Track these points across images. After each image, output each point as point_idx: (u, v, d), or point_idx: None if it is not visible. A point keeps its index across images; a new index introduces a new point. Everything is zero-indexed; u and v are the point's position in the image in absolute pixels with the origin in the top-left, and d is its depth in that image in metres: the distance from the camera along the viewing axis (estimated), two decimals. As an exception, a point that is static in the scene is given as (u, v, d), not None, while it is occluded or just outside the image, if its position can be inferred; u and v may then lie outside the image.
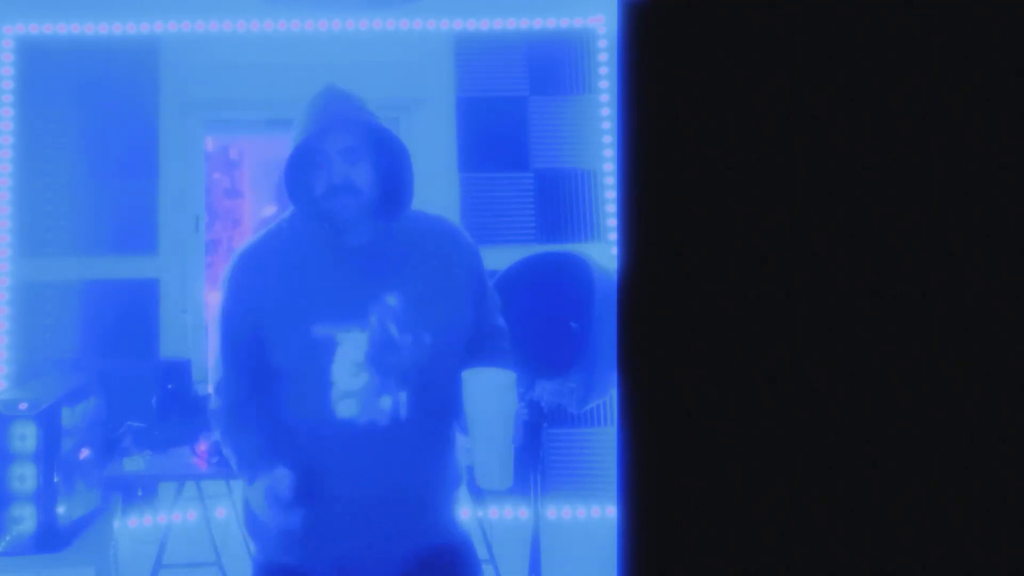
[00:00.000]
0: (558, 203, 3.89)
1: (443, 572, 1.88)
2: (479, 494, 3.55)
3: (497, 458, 1.74)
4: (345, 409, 1.74)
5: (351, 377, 1.74)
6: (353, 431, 1.74)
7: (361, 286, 1.78)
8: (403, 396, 1.76)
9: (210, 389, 1.91)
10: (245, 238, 1.93)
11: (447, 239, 1.92)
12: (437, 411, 1.81)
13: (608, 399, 3.43)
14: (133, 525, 3.51)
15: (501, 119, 3.89)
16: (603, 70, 3.92)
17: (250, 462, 1.77)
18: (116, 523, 3.25)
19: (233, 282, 1.84)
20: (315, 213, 1.81)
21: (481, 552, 3.44)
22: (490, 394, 1.73)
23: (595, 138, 3.91)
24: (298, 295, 1.76)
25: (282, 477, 1.68)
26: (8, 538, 2.81)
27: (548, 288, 2.33)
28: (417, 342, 1.77)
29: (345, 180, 1.78)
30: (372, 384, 1.74)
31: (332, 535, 1.78)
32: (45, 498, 2.83)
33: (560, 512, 3.73)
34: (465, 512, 3.55)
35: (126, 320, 3.71)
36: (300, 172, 1.80)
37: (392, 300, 1.77)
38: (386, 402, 1.75)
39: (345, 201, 1.78)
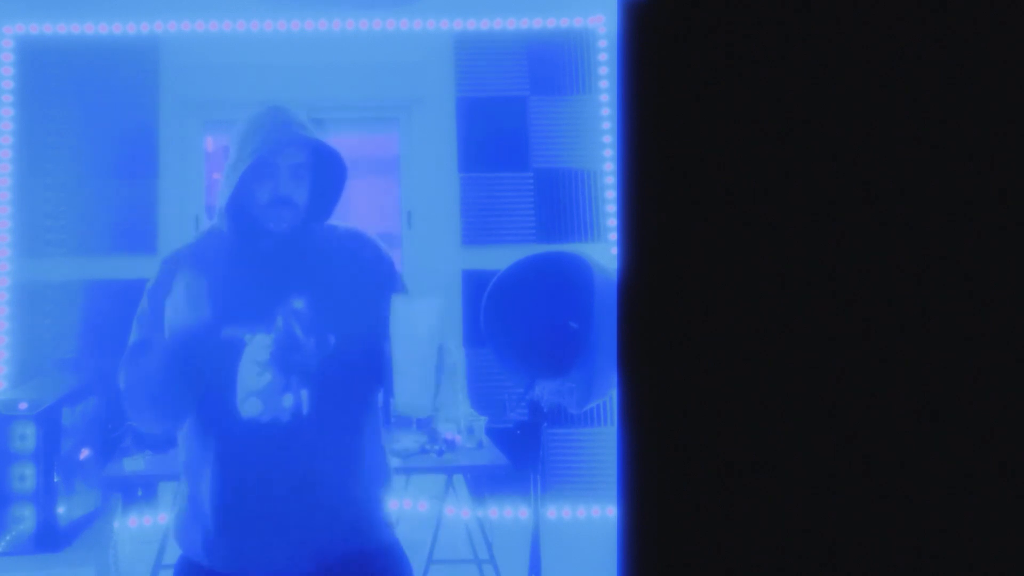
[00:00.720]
0: (558, 203, 3.89)
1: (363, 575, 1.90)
2: (479, 494, 3.55)
3: (416, 382, 1.76)
4: (249, 408, 1.82)
5: (255, 377, 1.83)
6: (256, 429, 1.82)
7: (270, 290, 1.88)
8: (304, 394, 1.83)
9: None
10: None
11: (359, 248, 1.99)
12: (341, 408, 1.87)
13: (608, 399, 3.43)
14: (133, 525, 3.51)
15: (501, 119, 3.89)
16: (603, 70, 3.92)
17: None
18: (116, 523, 3.25)
19: (154, 288, 1.98)
20: (247, 223, 1.90)
21: (481, 552, 3.45)
22: (413, 318, 1.77)
23: (595, 138, 3.91)
24: (212, 299, 1.82)
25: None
26: (8, 538, 2.81)
27: (548, 288, 2.33)
28: (320, 343, 1.85)
29: (288, 195, 1.87)
30: (275, 383, 1.83)
31: (245, 534, 1.84)
32: (45, 498, 2.83)
33: (560, 512, 3.73)
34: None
35: (126, 320, 3.71)
36: (244, 183, 1.89)
37: (299, 303, 1.87)
38: (288, 400, 1.83)
39: (283, 214, 1.88)
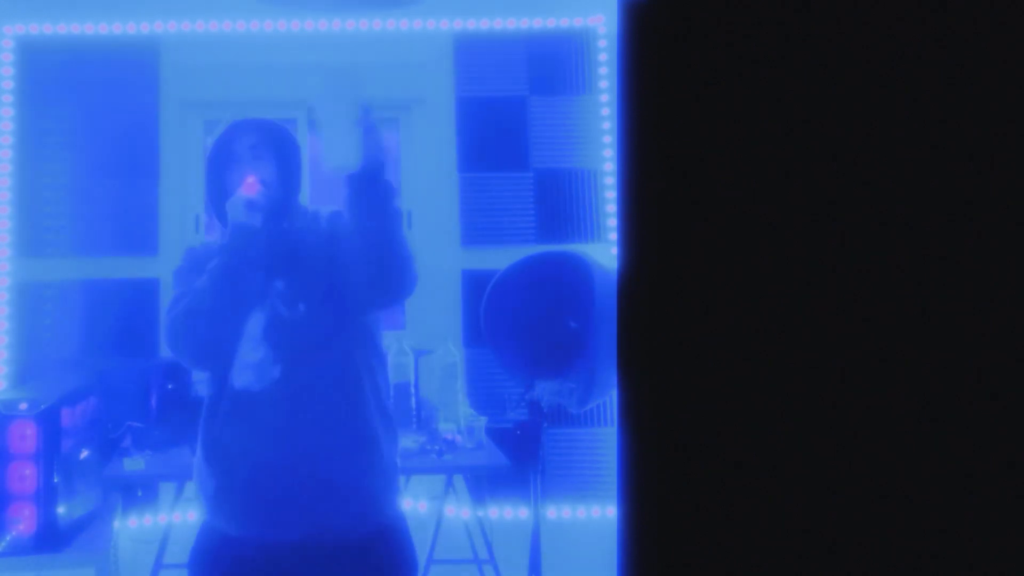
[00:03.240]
0: (558, 203, 3.88)
1: (368, 555, 2.00)
2: (479, 494, 3.55)
3: (340, 138, 1.95)
4: (243, 379, 1.99)
5: (251, 351, 1.99)
6: (250, 398, 1.98)
7: (263, 276, 2.04)
8: (288, 364, 1.99)
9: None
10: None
11: (320, 222, 2.15)
12: (322, 375, 2.01)
13: (608, 399, 3.43)
14: (133, 525, 3.51)
15: (501, 119, 3.89)
16: (603, 70, 3.91)
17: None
18: (116, 523, 3.25)
19: (178, 269, 2.17)
20: (233, 224, 2.03)
21: (481, 552, 3.44)
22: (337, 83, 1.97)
23: (595, 138, 3.91)
24: (219, 287, 2.01)
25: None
26: (8, 538, 2.81)
27: (548, 288, 2.33)
28: (295, 315, 2.02)
29: (252, 174, 2.04)
30: (267, 356, 1.99)
31: (252, 498, 1.97)
32: (45, 498, 2.83)
33: (560, 512, 3.73)
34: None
35: (126, 320, 3.71)
36: (217, 181, 2.09)
37: (279, 285, 2.03)
38: (276, 371, 1.98)
39: (259, 203, 2.02)
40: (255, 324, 2.01)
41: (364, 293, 2.03)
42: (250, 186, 2.01)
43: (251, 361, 1.99)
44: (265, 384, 1.98)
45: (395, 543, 2.07)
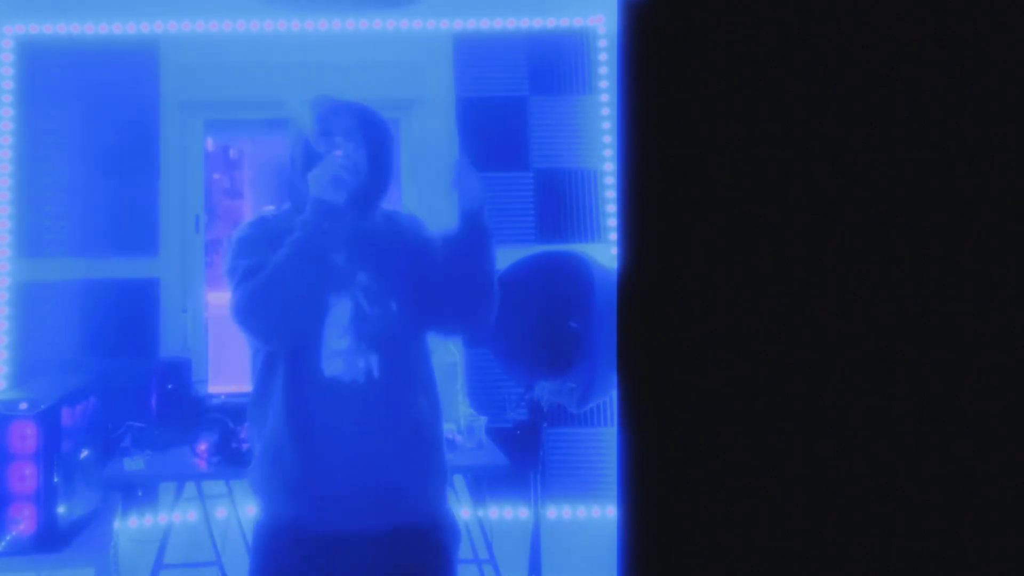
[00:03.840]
0: (558, 203, 3.88)
1: (418, 550, 2.03)
2: (479, 494, 3.55)
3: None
4: (333, 368, 1.98)
5: (337, 339, 1.99)
6: (338, 387, 1.98)
7: (347, 263, 2.03)
8: (374, 358, 2.00)
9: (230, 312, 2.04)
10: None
11: (407, 224, 2.17)
12: (404, 374, 2.05)
13: (608, 399, 3.43)
14: (133, 525, 3.51)
15: (501, 119, 3.89)
16: (603, 70, 3.91)
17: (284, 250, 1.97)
18: (116, 523, 3.25)
19: (246, 237, 2.08)
20: (314, 198, 1.99)
21: (481, 552, 3.44)
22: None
23: (595, 138, 3.91)
24: (300, 263, 1.96)
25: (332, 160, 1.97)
26: (8, 538, 2.81)
27: (548, 288, 2.33)
28: (385, 312, 2.03)
29: (347, 155, 1.99)
30: (352, 347, 2.00)
31: (325, 482, 1.97)
32: (45, 498, 2.83)
33: (560, 512, 3.73)
34: (465, 512, 3.55)
35: (126, 320, 3.71)
36: (307, 162, 2.03)
37: (363, 277, 2.03)
38: (361, 362, 1.99)
39: (346, 178, 1.97)
40: (341, 312, 2.00)
41: (447, 318, 2.09)
42: (336, 160, 1.97)
43: (338, 349, 1.99)
44: (354, 375, 1.98)
45: (451, 535, 2.15)
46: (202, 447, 3.01)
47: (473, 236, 2.04)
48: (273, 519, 2.03)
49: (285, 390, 2.00)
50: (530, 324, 2.31)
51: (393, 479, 2.01)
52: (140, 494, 3.50)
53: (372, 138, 2.06)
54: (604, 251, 3.73)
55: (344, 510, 1.98)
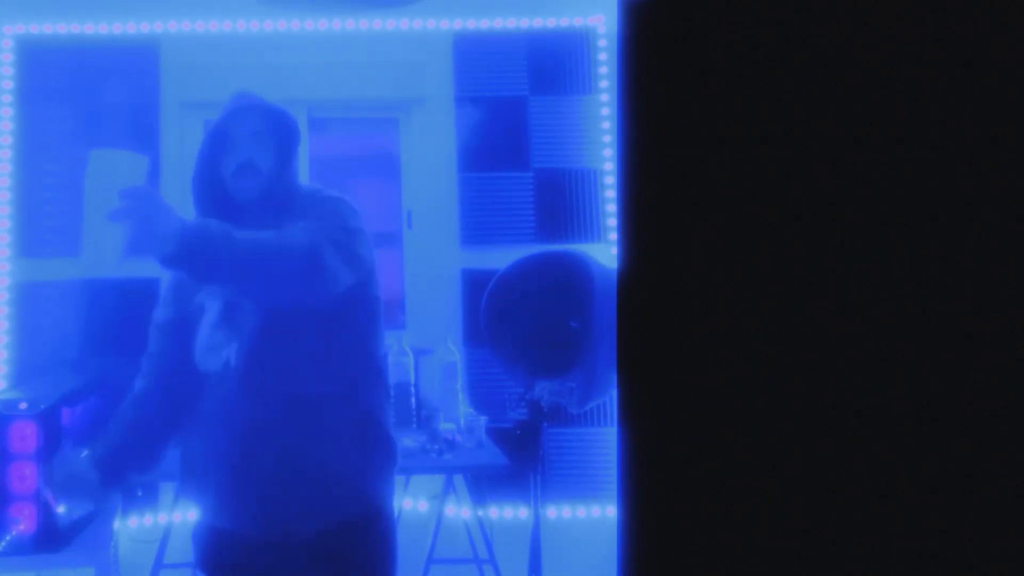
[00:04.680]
0: (558, 203, 3.88)
1: (345, 544, 1.96)
2: (479, 494, 3.55)
3: (97, 232, 1.81)
4: (203, 363, 1.96)
5: (208, 336, 1.97)
6: (206, 379, 1.96)
7: None
8: (234, 348, 1.94)
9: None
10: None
11: (315, 203, 2.02)
12: (281, 365, 1.93)
13: (608, 399, 3.43)
14: (133, 525, 3.51)
15: (501, 119, 3.89)
16: (603, 70, 3.91)
17: None
18: (116, 523, 3.25)
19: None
20: (213, 197, 2.01)
21: (481, 552, 3.44)
22: (111, 172, 1.79)
23: (595, 138, 3.91)
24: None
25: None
26: (8, 538, 2.81)
27: (548, 288, 2.33)
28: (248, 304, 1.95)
29: (250, 158, 1.97)
30: (220, 340, 1.96)
31: (214, 479, 1.97)
32: (45, 498, 2.83)
33: (560, 512, 3.73)
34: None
35: (126, 320, 3.71)
36: (209, 161, 2.01)
37: None
38: (227, 352, 1.95)
39: (248, 182, 1.97)
40: (212, 312, 1.99)
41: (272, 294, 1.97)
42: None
43: (208, 345, 1.98)
44: (218, 366, 1.96)
45: (378, 534, 2.03)
46: (202, 447, 3.00)
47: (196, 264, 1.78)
48: (206, 526, 2.05)
49: (168, 382, 2.06)
50: (530, 324, 2.31)
51: (302, 488, 1.92)
52: (140, 494, 3.50)
53: (279, 144, 2.02)
54: (604, 251, 3.73)
55: (260, 517, 1.94)
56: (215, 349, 1.96)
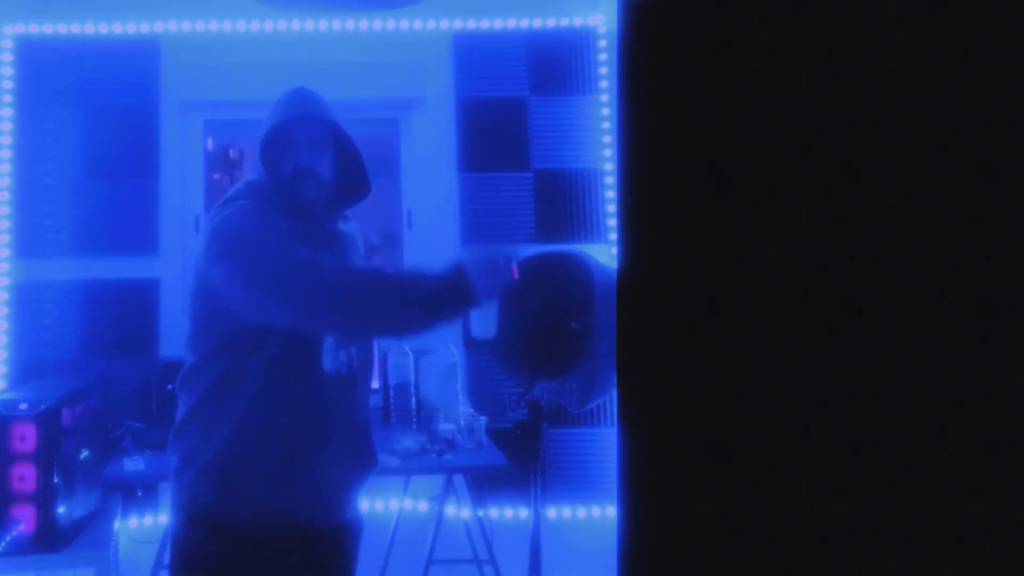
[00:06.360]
0: (558, 203, 3.88)
1: (331, 551, 2.08)
2: (479, 494, 3.55)
3: (487, 317, 2.20)
4: (330, 361, 2.02)
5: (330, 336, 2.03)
6: (331, 380, 2.02)
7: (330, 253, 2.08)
8: (353, 351, 2.08)
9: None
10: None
11: (355, 228, 2.26)
12: (368, 366, 2.18)
13: (608, 399, 3.43)
14: (133, 525, 3.51)
15: (501, 119, 3.89)
16: (603, 70, 3.92)
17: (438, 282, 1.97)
18: (116, 523, 3.25)
19: (250, 229, 1.97)
20: (282, 192, 2.05)
21: (482, 552, 3.44)
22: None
23: (595, 138, 3.91)
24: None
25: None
26: (8, 538, 2.81)
27: (548, 288, 2.33)
28: None
29: (308, 166, 2.04)
30: (339, 341, 2.04)
31: (316, 476, 2.02)
32: (45, 498, 2.83)
33: (560, 512, 3.73)
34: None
35: (126, 320, 3.71)
36: (271, 155, 2.07)
37: None
38: (343, 355, 2.05)
39: (306, 186, 2.04)
40: None
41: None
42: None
43: (332, 345, 2.03)
44: (340, 367, 2.04)
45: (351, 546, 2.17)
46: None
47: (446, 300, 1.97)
48: (224, 525, 1.97)
49: (283, 383, 1.98)
50: (530, 324, 2.31)
51: (356, 475, 2.11)
52: (140, 494, 3.50)
53: (337, 155, 2.11)
54: (604, 251, 3.73)
55: (323, 503, 2.06)
56: (336, 351, 2.04)
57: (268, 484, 1.96)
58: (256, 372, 1.97)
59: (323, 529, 2.05)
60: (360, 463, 2.12)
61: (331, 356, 2.03)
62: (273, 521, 1.97)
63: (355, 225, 2.26)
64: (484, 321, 2.26)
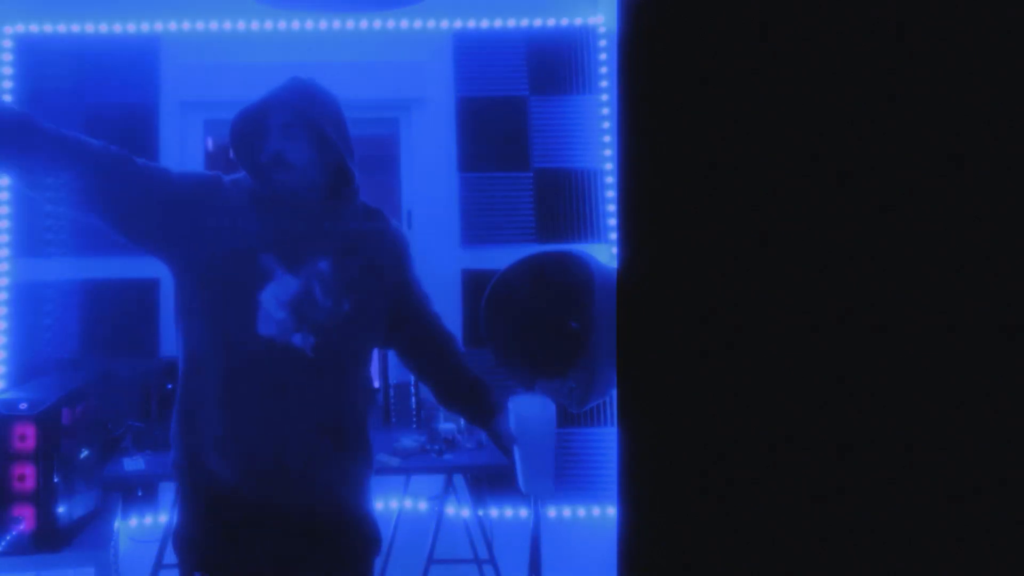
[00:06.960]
0: (558, 203, 3.88)
1: (330, 546, 2.02)
2: (479, 494, 3.55)
3: (541, 471, 2.12)
4: (266, 328, 1.93)
5: (274, 309, 1.94)
6: (272, 348, 1.93)
7: (305, 243, 1.99)
8: (311, 340, 1.95)
9: None
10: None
11: (381, 228, 2.15)
12: (341, 364, 2.01)
13: (608, 399, 3.43)
14: (133, 525, 3.51)
15: (501, 119, 3.89)
16: (603, 70, 3.92)
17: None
18: (116, 523, 3.25)
19: (194, 175, 2.09)
20: (260, 177, 2.02)
21: (482, 552, 3.44)
22: (537, 418, 2.11)
23: (595, 138, 3.91)
24: (249, 223, 1.97)
25: None
26: (8, 538, 2.81)
27: (548, 287, 2.33)
28: (335, 307, 1.98)
29: (279, 151, 1.97)
30: (288, 323, 1.94)
31: (247, 440, 1.95)
32: (45, 498, 2.83)
33: (560, 512, 3.73)
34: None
35: (126, 320, 3.71)
36: (246, 141, 2.03)
37: (324, 265, 1.99)
38: (298, 340, 1.95)
39: (280, 172, 1.98)
40: (282, 287, 1.95)
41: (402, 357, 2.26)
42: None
43: (274, 318, 1.94)
44: (289, 342, 1.95)
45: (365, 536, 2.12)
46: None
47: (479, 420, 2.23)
48: (196, 464, 2.00)
49: (210, 352, 1.97)
50: (530, 324, 2.31)
51: (307, 458, 1.99)
52: (140, 494, 3.50)
53: (320, 144, 2.02)
54: (604, 251, 3.73)
55: (256, 467, 1.96)
56: (282, 328, 1.94)
57: (217, 451, 1.96)
58: (195, 339, 2.00)
59: (302, 511, 1.98)
60: (325, 450, 1.99)
61: (267, 321, 1.93)
62: (235, 491, 1.95)
63: (383, 225, 2.15)
64: (532, 473, 2.14)
